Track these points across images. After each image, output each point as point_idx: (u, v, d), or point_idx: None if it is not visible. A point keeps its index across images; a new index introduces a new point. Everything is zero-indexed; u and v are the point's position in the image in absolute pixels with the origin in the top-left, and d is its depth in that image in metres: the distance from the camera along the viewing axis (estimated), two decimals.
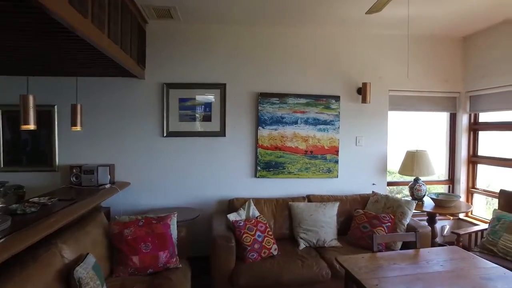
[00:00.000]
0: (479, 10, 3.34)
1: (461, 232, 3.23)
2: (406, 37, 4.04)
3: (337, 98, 3.96)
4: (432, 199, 3.81)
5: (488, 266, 2.19)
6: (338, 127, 3.97)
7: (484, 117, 4.16)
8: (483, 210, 4.27)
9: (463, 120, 4.24)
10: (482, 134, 4.18)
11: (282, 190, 3.90)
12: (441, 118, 4.46)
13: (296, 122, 3.92)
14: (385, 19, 3.52)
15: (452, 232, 3.29)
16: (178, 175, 3.80)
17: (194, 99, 3.81)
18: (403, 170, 3.96)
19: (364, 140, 4.04)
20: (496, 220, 3.25)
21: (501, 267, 2.19)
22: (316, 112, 3.94)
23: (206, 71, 3.80)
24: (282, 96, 3.88)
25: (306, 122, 3.93)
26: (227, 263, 2.85)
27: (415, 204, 3.36)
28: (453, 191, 4.35)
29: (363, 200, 3.75)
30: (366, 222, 3.31)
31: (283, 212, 3.55)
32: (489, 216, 4.07)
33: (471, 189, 4.25)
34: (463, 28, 3.90)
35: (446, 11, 3.36)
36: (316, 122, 3.94)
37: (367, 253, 2.39)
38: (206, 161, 3.83)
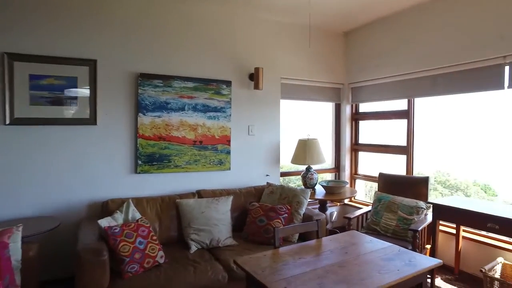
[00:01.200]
0: (355, 8, 3.52)
1: (351, 216, 3.27)
2: (299, 26, 3.98)
3: (228, 83, 3.61)
4: (323, 186, 3.83)
5: (385, 246, 2.14)
6: (230, 115, 3.62)
7: (364, 107, 4.44)
8: (363, 194, 4.57)
9: (347, 110, 4.44)
10: (362, 124, 4.46)
11: (169, 186, 3.33)
12: (328, 108, 4.60)
13: (183, 109, 3.40)
14: (278, 5, 3.36)
15: (344, 217, 3.31)
16: (33, 175, 2.82)
17: (53, 77, 2.90)
18: (295, 159, 3.87)
19: (256, 129, 3.80)
20: (377, 201, 3.41)
21: (395, 245, 2.18)
22: (206, 98, 3.50)
23: (70, 42, 2.93)
24: (166, 79, 3.31)
25: (195, 108, 3.45)
26: (98, 282, 2.15)
27: (309, 193, 3.26)
28: (339, 178, 4.53)
29: (258, 192, 3.50)
30: (263, 215, 3.04)
31: (170, 211, 2.99)
32: (369, 199, 4.37)
33: (354, 175, 4.49)
34: (344, 24, 4.07)
35: (327, 7, 3.44)
36: (205, 109, 3.50)
37: (269, 250, 2.07)
38: (73, 156, 2.96)
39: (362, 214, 3.46)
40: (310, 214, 3.15)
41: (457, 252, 3.04)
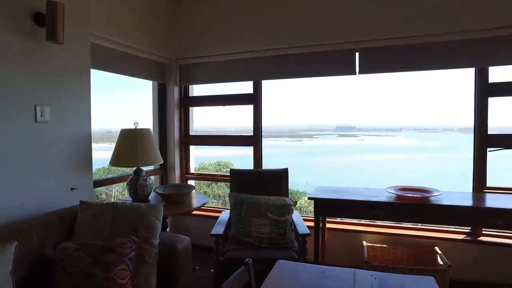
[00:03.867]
0: None
1: (220, 231, 2.41)
2: None
3: None
4: (162, 195, 2.73)
5: (307, 269, 1.48)
6: None
7: (198, 90, 3.62)
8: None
9: (175, 94, 3.46)
10: (195, 111, 3.62)
11: None
12: (149, 88, 3.45)
13: None
14: None
15: (212, 235, 2.39)
16: None
17: None
18: (118, 159, 2.55)
19: (53, 112, 2.18)
20: (238, 205, 2.72)
21: (316, 265, 1.58)
22: None
23: None
24: None
25: None
26: None
27: (162, 209, 2.12)
28: (166, 182, 3.50)
29: (65, 221, 1.97)
30: (91, 263, 1.65)
31: None
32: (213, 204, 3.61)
33: (186, 176, 3.58)
34: None
35: None
36: None
37: None
38: None
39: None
40: (169, 241, 2.03)
41: (323, 245, 2.82)
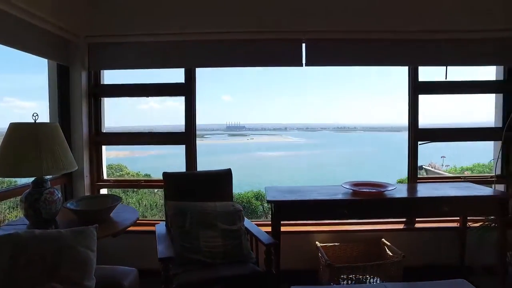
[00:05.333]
0: None
1: (166, 253, 1.91)
2: None
3: None
4: (77, 212, 2.05)
5: None
6: None
7: (112, 77, 2.92)
8: None
9: (82, 80, 2.71)
10: (109, 103, 2.91)
11: None
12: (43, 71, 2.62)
13: None
14: None
15: (161, 259, 1.87)
16: None
17: None
18: (8, 166, 1.80)
19: None
20: (180, 215, 2.25)
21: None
22: None
23: None
24: None
25: None
26: None
27: (96, 232, 1.53)
28: (72, 193, 2.72)
29: None
30: None
31: None
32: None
33: (97, 184, 2.85)
34: None
35: None
36: None
37: None
38: None
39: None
40: (111, 277, 1.48)
41: None
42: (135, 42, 2.68)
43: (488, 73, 3.00)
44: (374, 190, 2.31)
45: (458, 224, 2.74)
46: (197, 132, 2.91)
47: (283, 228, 2.64)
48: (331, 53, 2.69)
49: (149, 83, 2.85)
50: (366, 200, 2.21)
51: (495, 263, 2.36)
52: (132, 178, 8.78)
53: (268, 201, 2.26)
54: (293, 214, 2.26)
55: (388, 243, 2.59)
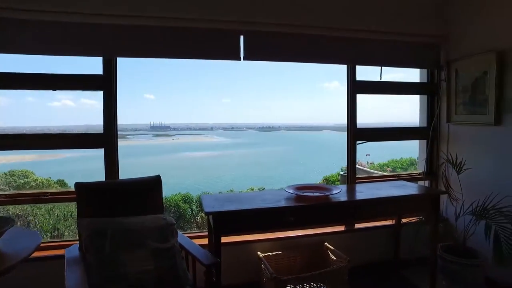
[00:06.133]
0: None
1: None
2: None
3: None
4: None
5: None
6: None
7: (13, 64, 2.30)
8: None
9: None
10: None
11: None
12: None
13: None
14: None
15: None
16: None
17: None
18: None
19: None
20: (97, 236, 1.84)
21: None
22: None
23: None
24: None
25: None
26: None
27: None
28: None
29: None
30: None
31: None
32: None
33: None
34: None
35: None
36: None
37: None
38: None
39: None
40: None
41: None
42: (37, 20, 2.13)
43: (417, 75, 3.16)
44: (319, 194, 2.19)
45: (394, 221, 2.80)
46: (119, 133, 2.48)
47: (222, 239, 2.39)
48: (271, 47, 2.51)
49: (57, 73, 2.32)
50: (312, 206, 2.07)
51: (427, 255, 2.45)
52: (40, 185, 7.58)
53: (206, 213, 1.98)
54: (235, 226, 2.00)
55: (332, 247, 2.51)
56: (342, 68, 2.79)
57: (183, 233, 2.20)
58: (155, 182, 2.21)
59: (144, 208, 2.08)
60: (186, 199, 7.00)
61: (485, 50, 2.47)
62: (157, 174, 2.25)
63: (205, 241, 2.32)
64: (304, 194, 2.19)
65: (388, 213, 2.50)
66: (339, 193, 2.19)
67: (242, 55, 2.45)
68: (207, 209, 1.96)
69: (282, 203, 2.04)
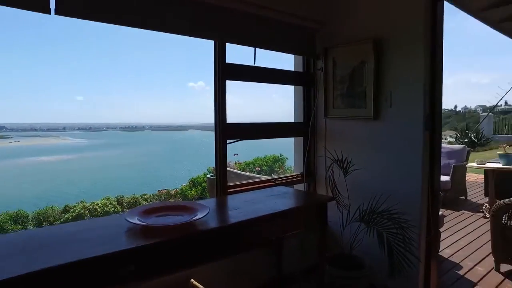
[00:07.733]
0: None
1: None
2: None
3: None
4: None
5: None
6: None
7: None
8: None
9: None
10: None
11: None
12: None
13: None
14: None
15: None
16: None
17: None
18: None
19: None
20: None
21: None
22: None
23: None
24: None
25: None
26: None
27: None
28: None
29: None
30: None
31: None
32: None
33: None
34: None
35: None
36: None
37: None
38: None
39: None
40: None
41: None
42: None
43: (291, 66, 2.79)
44: (177, 222, 1.47)
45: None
46: None
47: None
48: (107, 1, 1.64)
49: None
50: (167, 242, 1.33)
51: (313, 264, 2.06)
52: None
53: None
54: None
55: (199, 285, 1.84)
56: (208, 66, 2.15)
57: None
58: None
59: None
60: (18, 218, 5.47)
61: (362, 38, 2.24)
62: None
63: None
64: (155, 223, 1.44)
65: (274, 232, 1.95)
66: (208, 214, 1.52)
67: (53, 5, 1.50)
68: None
69: (115, 247, 1.22)
